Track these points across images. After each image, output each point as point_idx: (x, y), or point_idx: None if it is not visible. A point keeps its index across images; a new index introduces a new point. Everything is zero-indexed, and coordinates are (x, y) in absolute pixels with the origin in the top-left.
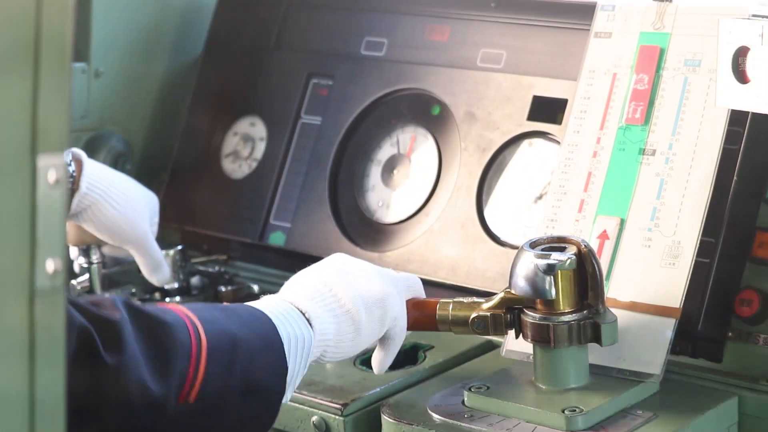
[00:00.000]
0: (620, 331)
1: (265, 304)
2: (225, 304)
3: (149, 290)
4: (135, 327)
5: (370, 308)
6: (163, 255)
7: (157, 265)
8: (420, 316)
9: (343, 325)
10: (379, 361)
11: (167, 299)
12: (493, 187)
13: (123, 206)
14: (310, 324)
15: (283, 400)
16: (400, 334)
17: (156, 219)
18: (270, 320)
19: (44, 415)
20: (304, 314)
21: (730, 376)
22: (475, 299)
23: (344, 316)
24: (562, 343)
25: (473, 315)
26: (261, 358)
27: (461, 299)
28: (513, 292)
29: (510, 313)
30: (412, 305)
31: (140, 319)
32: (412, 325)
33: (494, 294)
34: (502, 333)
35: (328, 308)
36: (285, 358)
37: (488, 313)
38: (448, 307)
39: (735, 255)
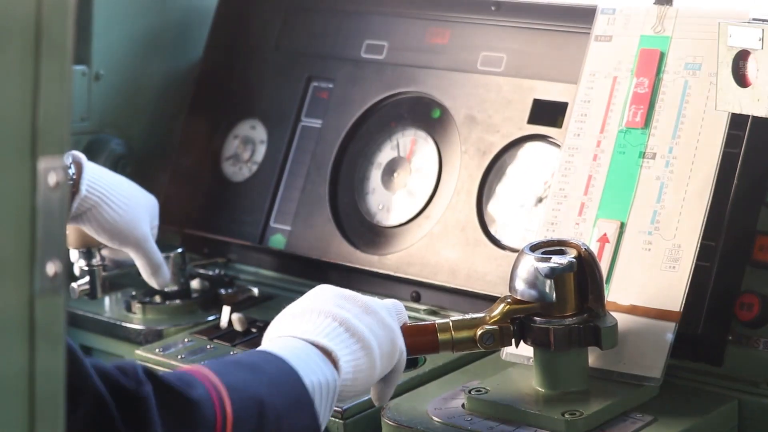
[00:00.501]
0: (620, 335)
1: (286, 348)
2: (253, 355)
3: (149, 293)
4: (158, 404)
5: (382, 345)
6: (163, 258)
7: (157, 268)
8: (418, 341)
9: (361, 363)
10: (382, 394)
11: (167, 302)
12: (493, 191)
13: (123, 209)
14: (336, 365)
15: None
16: (402, 365)
17: (156, 222)
18: (297, 374)
19: (43, 417)
20: (330, 354)
21: (730, 380)
22: (471, 315)
23: (360, 352)
24: (563, 346)
25: (480, 331)
26: (290, 421)
27: (456, 318)
28: (516, 297)
29: (514, 323)
30: (407, 331)
31: (164, 395)
32: (410, 352)
33: (493, 297)
34: (510, 344)
35: (345, 345)
36: (315, 416)
37: (496, 327)
38: (448, 328)
39: (735, 258)
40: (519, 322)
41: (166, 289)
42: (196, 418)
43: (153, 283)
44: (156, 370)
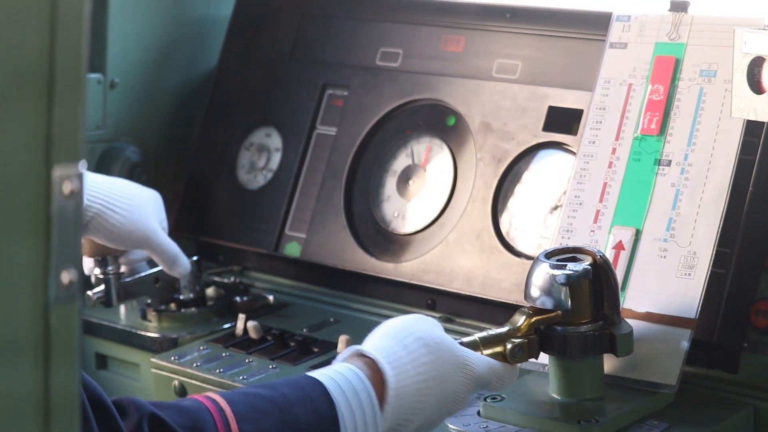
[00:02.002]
0: (636, 342)
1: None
2: (288, 392)
3: (165, 301)
4: None
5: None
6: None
7: (173, 260)
8: None
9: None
10: None
11: (182, 310)
12: (508, 198)
13: (127, 211)
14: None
15: None
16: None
17: (163, 215)
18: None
19: (58, 427)
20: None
21: (746, 387)
22: (496, 330)
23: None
24: (578, 353)
25: (510, 345)
26: None
27: (482, 335)
28: (536, 308)
29: (536, 334)
30: None
31: None
32: None
33: (508, 304)
34: (536, 356)
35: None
36: None
37: (525, 339)
38: (477, 345)
39: (750, 266)
40: (540, 332)
41: (182, 297)
42: None
43: (174, 274)
44: (165, 422)
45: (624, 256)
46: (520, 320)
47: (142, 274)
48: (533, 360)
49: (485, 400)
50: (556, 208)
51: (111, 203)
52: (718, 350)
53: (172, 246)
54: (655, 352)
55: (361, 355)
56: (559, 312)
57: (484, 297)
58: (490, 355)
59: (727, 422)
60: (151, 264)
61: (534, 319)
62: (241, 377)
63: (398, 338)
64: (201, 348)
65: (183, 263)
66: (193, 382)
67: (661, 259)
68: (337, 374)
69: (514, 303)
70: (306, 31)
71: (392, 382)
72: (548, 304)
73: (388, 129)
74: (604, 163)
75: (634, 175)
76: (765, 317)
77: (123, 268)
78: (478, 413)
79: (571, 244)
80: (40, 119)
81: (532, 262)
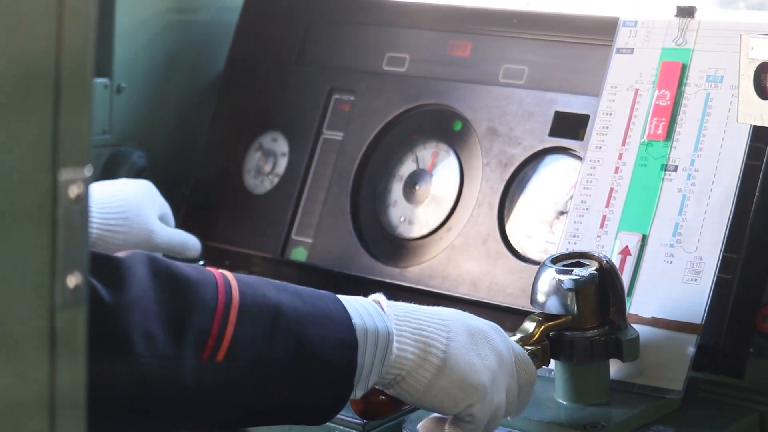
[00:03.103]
0: (642, 347)
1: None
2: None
3: None
4: (151, 274)
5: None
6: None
7: (183, 247)
8: None
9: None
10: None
11: None
12: (514, 203)
13: (125, 226)
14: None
15: (353, 394)
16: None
17: (160, 202)
18: (338, 301)
19: (64, 430)
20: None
21: (752, 393)
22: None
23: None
24: (584, 359)
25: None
26: (317, 326)
27: None
28: (546, 314)
29: (548, 340)
30: None
31: (159, 268)
32: None
33: (514, 310)
34: (548, 362)
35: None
36: (352, 330)
37: (539, 347)
38: None
39: (757, 271)
40: (549, 338)
41: None
42: (191, 293)
43: (189, 258)
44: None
45: (630, 261)
46: (532, 327)
47: None
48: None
49: None
50: (562, 213)
51: (108, 225)
52: (725, 356)
53: (178, 235)
54: (661, 358)
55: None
56: (570, 317)
57: (490, 302)
58: None
59: (733, 427)
60: None
61: (545, 325)
62: None
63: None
64: None
65: (193, 246)
66: None
67: (668, 264)
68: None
69: (521, 308)
70: (313, 36)
71: (391, 304)
72: (554, 309)
73: (395, 134)
74: (611, 168)
75: (640, 180)
76: None
77: None
78: None
79: (578, 249)
80: (46, 123)
81: (538, 267)
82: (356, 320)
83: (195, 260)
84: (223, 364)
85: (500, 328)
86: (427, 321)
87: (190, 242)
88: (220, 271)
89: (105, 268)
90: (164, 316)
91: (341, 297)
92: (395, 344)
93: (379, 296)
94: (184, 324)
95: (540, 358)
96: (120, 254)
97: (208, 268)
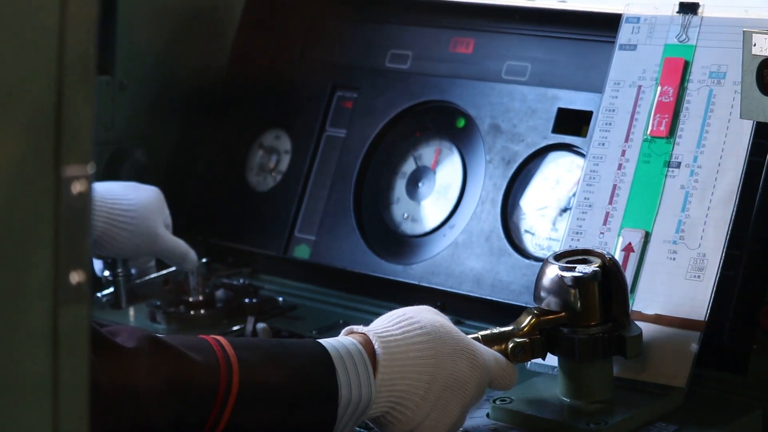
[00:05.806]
0: (645, 344)
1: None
2: (287, 341)
3: (174, 303)
4: (152, 361)
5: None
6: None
7: (183, 258)
8: None
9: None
10: None
11: (191, 312)
12: (517, 200)
13: (132, 225)
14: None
15: None
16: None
17: (166, 212)
18: (332, 365)
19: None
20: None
21: (756, 389)
22: (499, 329)
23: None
24: (587, 356)
25: (511, 344)
26: (305, 412)
27: (485, 332)
28: (542, 308)
29: (542, 334)
30: None
31: (161, 352)
32: None
33: (518, 307)
34: (540, 356)
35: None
36: (335, 410)
37: (527, 339)
38: (478, 342)
39: (760, 268)
40: (546, 332)
41: (191, 299)
42: (193, 381)
43: (185, 269)
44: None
45: (633, 258)
46: (525, 320)
47: (152, 276)
48: (542, 362)
49: (494, 402)
50: (565, 210)
51: (115, 220)
52: (728, 352)
53: (179, 245)
54: (665, 355)
55: (353, 333)
56: (564, 314)
57: (493, 299)
58: None
59: (737, 424)
60: (160, 266)
61: (539, 319)
62: None
63: (393, 319)
64: None
65: (191, 259)
66: None
67: (671, 261)
68: (330, 340)
69: (524, 305)
70: (315, 33)
71: (382, 348)
72: (557, 306)
73: (398, 131)
74: (614, 165)
75: (643, 177)
76: None
77: (132, 271)
78: (487, 415)
79: (581, 246)
80: (48, 120)
81: (541, 264)
82: (344, 392)
83: (190, 271)
84: None
85: (480, 350)
86: (409, 376)
87: (190, 255)
88: (218, 343)
89: (109, 358)
90: (163, 401)
91: (335, 357)
92: (371, 409)
93: (377, 338)
94: (183, 413)
95: (528, 351)
96: (125, 341)
97: (212, 342)
